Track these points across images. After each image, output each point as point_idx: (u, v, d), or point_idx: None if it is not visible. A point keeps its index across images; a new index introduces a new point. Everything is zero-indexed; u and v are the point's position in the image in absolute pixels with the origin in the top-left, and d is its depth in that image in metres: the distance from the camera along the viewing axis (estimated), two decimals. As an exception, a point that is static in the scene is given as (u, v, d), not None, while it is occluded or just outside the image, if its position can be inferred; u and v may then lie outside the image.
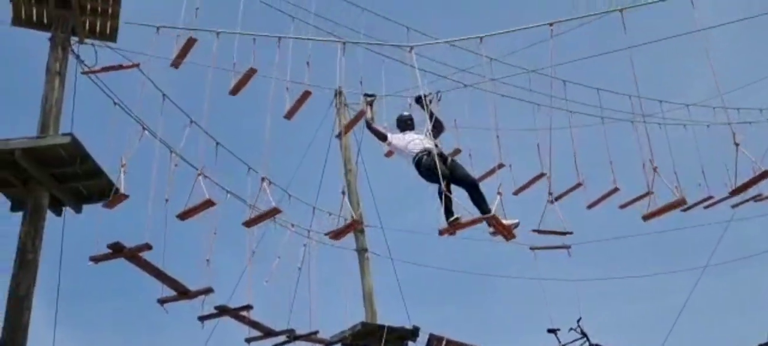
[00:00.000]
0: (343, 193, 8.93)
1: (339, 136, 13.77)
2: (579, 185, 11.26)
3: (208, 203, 8.04)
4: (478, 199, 7.62)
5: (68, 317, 9.20)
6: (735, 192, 9.54)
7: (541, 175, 10.81)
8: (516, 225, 7.68)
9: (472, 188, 7.72)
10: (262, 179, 7.68)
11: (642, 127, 9.79)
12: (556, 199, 11.23)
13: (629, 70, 8.82)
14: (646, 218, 9.26)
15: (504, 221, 7.55)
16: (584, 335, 13.17)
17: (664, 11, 9.03)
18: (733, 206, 12.57)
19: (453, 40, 9.00)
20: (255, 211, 9.05)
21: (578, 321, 13.24)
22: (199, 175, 8.05)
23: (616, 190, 10.76)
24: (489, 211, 7.41)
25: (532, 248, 14.38)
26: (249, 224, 8.23)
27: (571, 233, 10.72)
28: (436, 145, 7.89)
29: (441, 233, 7.78)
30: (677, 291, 16.92)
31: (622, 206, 10.84)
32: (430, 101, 8.24)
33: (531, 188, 11.51)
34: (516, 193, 11.02)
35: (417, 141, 7.97)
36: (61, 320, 8.92)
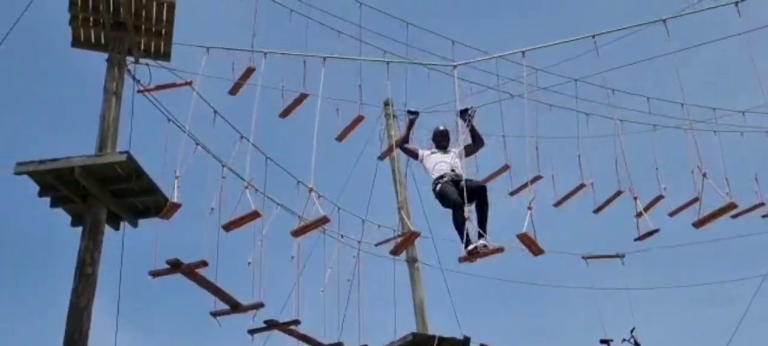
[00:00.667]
0: (400, 209, 8.96)
1: (381, 157, 13.80)
2: (619, 193, 11.09)
3: (254, 215, 8.17)
4: (481, 211, 7.54)
5: (128, 321, 9.50)
6: None
7: (581, 186, 10.73)
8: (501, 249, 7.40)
9: (480, 197, 7.59)
10: (310, 189, 7.77)
11: (692, 134, 9.59)
12: (598, 209, 11.12)
13: (677, 79, 8.71)
14: (696, 225, 9.04)
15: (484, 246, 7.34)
16: (638, 344, 12.96)
17: (713, 18, 8.84)
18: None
19: (495, 56, 8.98)
20: (303, 221, 9.22)
21: (632, 331, 13.03)
22: (247, 187, 8.20)
23: (660, 198, 10.58)
24: (483, 233, 7.33)
25: (584, 257, 14.27)
26: (297, 233, 8.31)
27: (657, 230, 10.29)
28: (453, 169, 7.73)
29: (460, 260, 7.79)
30: (737, 298, 16.43)
31: (671, 214, 10.66)
32: (471, 116, 8.14)
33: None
34: (556, 205, 10.96)
35: (442, 164, 7.83)
36: (122, 325, 9.25)
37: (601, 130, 11.50)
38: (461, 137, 8.13)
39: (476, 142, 8.17)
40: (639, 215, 11.18)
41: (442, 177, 7.73)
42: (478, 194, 7.62)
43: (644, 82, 12.58)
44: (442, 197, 7.71)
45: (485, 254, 7.37)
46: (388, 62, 8.64)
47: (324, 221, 7.93)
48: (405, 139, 8.44)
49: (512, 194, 10.90)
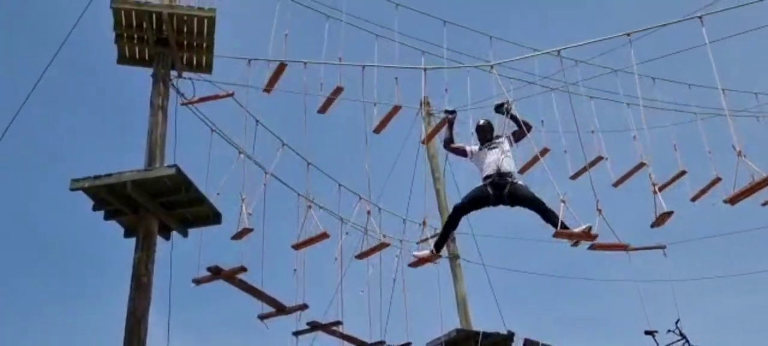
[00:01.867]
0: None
1: (424, 141, 13.94)
2: (683, 172, 11.08)
3: (323, 236, 8.53)
4: (547, 216, 7.51)
5: (178, 325, 9.82)
6: None
7: (641, 164, 10.68)
8: (589, 229, 7.41)
9: (539, 208, 7.58)
10: (368, 212, 8.05)
11: (732, 119, 9.54)
12: (660, 188, 11.07)
13: (718, 66, 8.67)
14: (730, 201, 8.98)
15: (576, 230, 7.38)
16: (683, 336, 12.88)
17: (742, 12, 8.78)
18: None
19: (532, 55, 9.05)
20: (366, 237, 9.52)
21: (677, 322, 12.96)
22: (309, 207, 8.52)
23: (718, 180, 10.56)
24: (564, 225, 7.30)
25: (626, 249, 14.16)
26: (298, 246, 8.65)
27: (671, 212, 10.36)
28: (498, 168, 7.66)
29: (411, 264, 8.35)
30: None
31: (693, 199, 10.69)
32: (508, 109, 8.17)
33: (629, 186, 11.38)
34: (615, 184, 10.91)
35: (489, 165, 7.77)
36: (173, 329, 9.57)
37: (641, 121, 11.50)
38: (505, 130, 8.15)
39: (521, 129, 8.09)
40: (694, 198, 11.15)
41: (487, 178, 7.74)
42: (525, 204, 7.63)
43: (684, 70, 12.49)
44: (471, 192, 7.85)
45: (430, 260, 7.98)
46: (425, 69, 8.75)
47: (383, 246, 8.21)
48: (450, 140, 8.51)
49: (573, 177, 10.92)
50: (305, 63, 8.78)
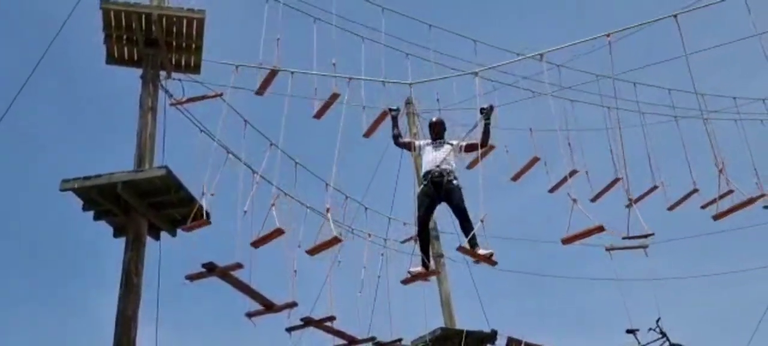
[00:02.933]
0: None
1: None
2: (655, 187, 11.37)
3: (278, 232, 8.54)
4: (465, 228, 7.83)
5: (167, 321, 9.89)
6: None
7: (617, 180, 10.95)
8: (490, 255, 7.87)
9: (461, 217, 7.90)
10: (327, 209, 8.14)
11: (711, 124, 9.79)
12: (636, 201, 11.35)
13: (694, 70, 8.90)
14: (716, 218, 9.25)
15: (480, 252, 7.80)
16: (664, 334, 13.14)
17: (721, 11, 9.01)
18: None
19: (515, 60, 9.23)
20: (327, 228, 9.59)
21: (657, 321, 13.21)
22: (274, 201, 8.53)
23: (695, 191, 10.82)
24: (475, 243, 7.71)
25: (607, 249, 14.42)
26: (312, 252, 8.69)
27: (652, 234, 10.67)
28: (438, 166, 7.90)
29: (404, 282, 8.46)
30: (762, 281, 16.54)
31: (704, 206, 10.92)
32: (489, 114, 8.38)
33: (610, 191, 11.67)
34: (593, 200, 11.19)
35: (431, 156, 8.03)
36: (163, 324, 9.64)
37: (624, 122, 11.74)
38: (472, 135, 8.36)
39: (483, 143, 8.29)
40: (671, 208, 11.43)
41: (427, 175, 7.98)
42: (453, 208, 7.92)
43: (664, 73, 12.75)
44: (423, 195, 8.03)
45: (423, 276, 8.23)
46: (411, 83, 8.92)
47: (336, 241, 8.29)
48: (398, 135, 8.66)
49: (551, 190, 11.17)
50: (292, 72, 8.87)
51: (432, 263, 7.91)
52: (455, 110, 11.26)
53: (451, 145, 8.19)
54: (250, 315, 11.00)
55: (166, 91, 9.97)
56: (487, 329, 14.18)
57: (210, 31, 10.12)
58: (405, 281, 8.40)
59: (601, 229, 7.36)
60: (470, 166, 10.61)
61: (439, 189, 7.85)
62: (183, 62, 10.24)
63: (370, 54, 10.99)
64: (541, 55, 8.46)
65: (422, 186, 8.04)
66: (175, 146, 10.27)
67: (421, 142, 8.50)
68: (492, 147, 8.60)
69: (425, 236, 8.15)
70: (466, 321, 14.43)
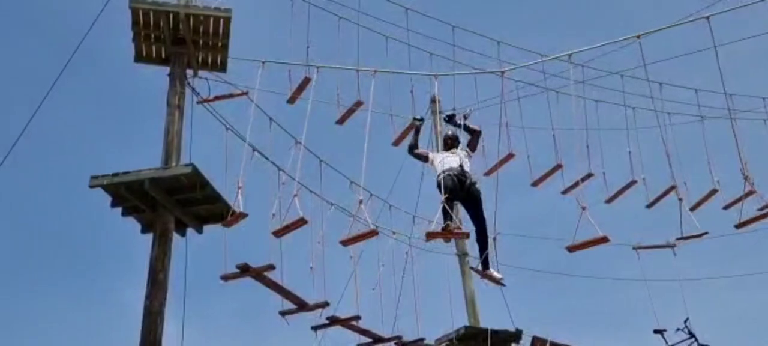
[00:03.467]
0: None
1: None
2: (673, 187, 11.20)
3: (301, 222, 8.54)
4: (481, 242, 7.96)
5: (193, 316, 10.00)
6: None
7: (633, 182, 10.86)
8: (499, 279, 8.17)
9: (479, 227, 7.99)
10: (359, 201, 8.13)
11: (738, 124, 9.63)
12: (653, 203, 11.25)
13: (724, 69, 8.77)
14: (739, 226, 9.06)
15: (490, 274, 8.01)
16: (692, 335, 12.98)
17: (750, 13, 8.88)
18: None
19: (542, 60, 9.18)
20: (356, 223, 9.59)
21: (685, 321, 13.05)
22: (296, 195, 8.54)
23: (715, 191, 10.66)
24: (486, 262, 7.89)
25: (634, 248, 14.33)
26: (346, 243, 8.64)
27: (705, 233, 10.39)
28: (461, 166, 7.96)
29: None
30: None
31: (726, 207, 10.75)
32: (464, 118, 8.43)
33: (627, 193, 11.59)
34: (608, 201, 11.10)
35: (451, 161, 8.03)
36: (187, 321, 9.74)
37: (649, 122, 11.63)
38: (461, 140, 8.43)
39: (474, 136, 8.42)
40: (693, 208, 11.28)
41: (449, 170, 7.92)
42: (473, 214, 7.98)
43: (691, 72, 12.61)
44: (441, 186, 7.89)
45: (449, 235, 7.89)
46: (436, 75, 8.91)
47: (373, 233, 8.24)
48: (415, 145, 8.65)
49: (564, 192, 11.10)
50: (318, 68, 8.90)
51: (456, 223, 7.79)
52: (478, 110, 11.29)
53: (465, 156, 8.25)
54: (283, 313, 11.11)
55: (193, 90, 10.09)
56: (511, 328, 14.12)
57: (236, 30, 10.24)
58: (430, 236, 8.19)
59: (605, 239, 7.29)
60: (489, 172, 10.57)
61: (461, 186, 7.85)
62: (210, 60, 10.35)
63: (394, 54, 11.04)
64: (569, 55, 8.37)
65: (445, 175, 7.88)
66: (202, 144, 10.40)
67: (436, 154, 8.55)
68: (480, 132, 8.57)
69: (450, 205, 7.93)
70: (490, 320, 14.39)
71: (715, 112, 11.72)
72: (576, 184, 9.42)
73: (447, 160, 8.09)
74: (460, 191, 7.88)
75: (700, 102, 11.99)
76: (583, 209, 7.28)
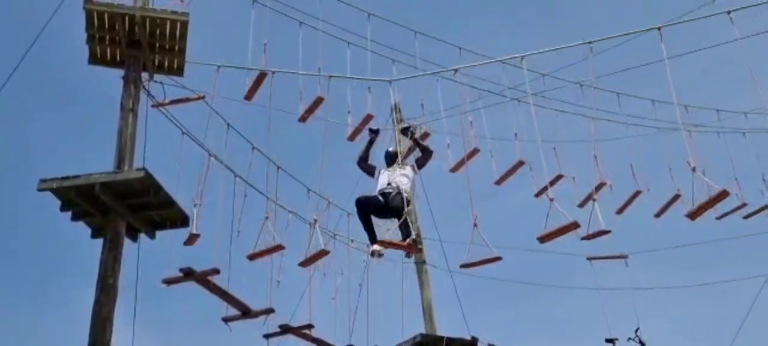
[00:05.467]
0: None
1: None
2: (638, 193, 11.48)
3: (278, 247, 8.62)
4: (403, 227, 8.07)
5: (144, 324, 9.86)
6: None
7: (602, 184, 11.04)
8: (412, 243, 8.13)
9: (402, 225, 8.11)
10: (315, 221, 8.21)
11: (692, 134, 9.87)
12: (621, 209, 11.47)
13: (677, 82, 8.97)
14: (690, 216, 9.31)
15: (396, 240, 8.10)
16: (642, 344, 13.23)
17: (705, 26, 9.11)
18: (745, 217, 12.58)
19: (494, 60, 9.31)
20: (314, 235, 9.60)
21: (636, 331, 13.30)
22: (266, 219, 8.62)
23: (677, 196, 10.94)
24: (409, 235, 7.96)
25: (588, 259, 14.53)
26: (304, 264, 8.73)
27: (608, 231, 10.65)
28: (390, 183, 8.14)
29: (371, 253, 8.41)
30: (743, 292, 16.67)
31: (657, 215, 11.06)
32: (413, 133, 8.59)
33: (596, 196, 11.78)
34: (581, 205, 11.27)
35: (383, 180, 8.29)
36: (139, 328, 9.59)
37: (605, 133, 11.85)
38: (402, 150, 8.57)
39: (424, 154, 8.61)
40: (658, 215, 11.54)
41: (380, 191, 8.18)
42: (393, 202, 8.08)
43: (646, 84, 12.85)
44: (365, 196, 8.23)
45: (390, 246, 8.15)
46: (391, 80, 8.96)
47: (323, 254, 8.37)
48: (365, 157, 8.73)
49: (537, 195, 11.23)
50: (273, 72, 8.88)
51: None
52: (438, 113, 11.36)
53: (405, 169, 8.40)
54: (226, 320, 11.03)
55: (148, 93, 9.96)
56: (467, 337, 14.20)
57: (193, 34, 10.14)
58: (372, 253, 8.37)
59: (576, 225, 7.47)
60: (454, 169, 10.65)
61: (389, 204, 8.05)
62: (166, 64, 10.21)
63: (355, 59, 11.03)
64: (522, 58, 8.53)
65: (362, 197, 8.25)
66: (157, 149, 10.27)
67: (383, 172, 8.65)
68: (431, 153, 8.75)
69: (367, 219, 8.21)
70: (447, 328, 14.45)
71: (672, 124, 11.94)
72: (548, 185, 9.56)
73: (380, 181, 8.27)
74: (384, 208, 8.03)
75: (657, 113, 12.23)
76: (551, 200, 7.45)
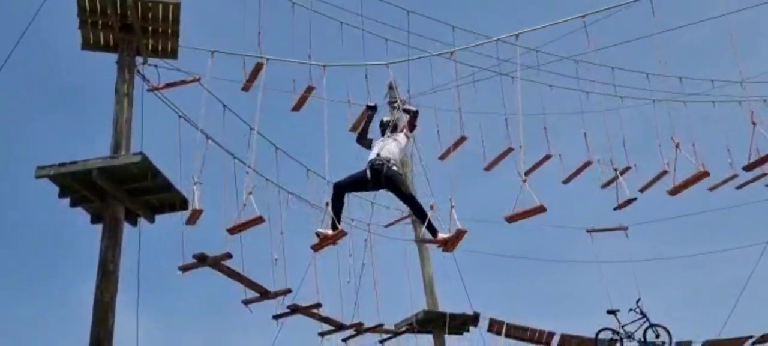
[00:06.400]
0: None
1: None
2: (628, 168, 11.49)
3: (258, 220, 8.54)
4: (419, 216, 7.93)
5: (146, 308, 9.86)
6: (748, 168, 9.70)
7: (588, 163, 11.07)
8: (458, 234, 7.79)
9: (412, 205, 8.00)
10: (327, 204, 8.07)
11: (687, 107, 9.86)
12: (607, 183, 11.49)
13: (675, 55, 8.98)
14: (671, 192, 9.38)
15: (442, 236, 7.79)
16: (644, 315, 13.29)
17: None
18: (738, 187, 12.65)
19: (489, 41, 9.25)
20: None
21: (637, 302, 13.37)
22: (251, 190, 8.51)
23: (665, 172, 10.94)
24: (432, 229, 7.76)
25: (588, 231, 14.60)
26: (317, 248, 8.54)
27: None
28: (378, 154, 7.92)
29: (314, 247, 8.26)
30: (742, 261, 16.73)
31: (642, 189, 11.11)
32: (403, 103, 8.51)
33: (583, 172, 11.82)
34: (565, 182, 11.29)
35: (373, 150, 8.07)
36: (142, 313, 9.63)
37: (600, 106, 11.81)
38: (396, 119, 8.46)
39: (411, 116, 8.36)
40: (643, 189, 11.59)
41: (369, 162, 7.97)
42: (399, 195, 7.96)
43: (645, 57, 12.81)
44: (349, 174, 8.05)
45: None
46: (388, 64, 8.92)
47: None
48: (363, 134, 8.55)
49: (527, 173, 11.22)
50: (267, 59, 8.84)
51: (342, 225, 7.86)
52: (432, 94, 11.34)
53: (396, 135, 8.21)
54: (246, 302, 11.11)
55: (143, 77, 9.90)
56: (470, 312, 14.30)
57: (186, 16, 10.06)
58: (315, 247, 8.24)
59: (542, 209, 7.48)
60: (442, 157, 10.64)
61: (377, 176, 7.84)
62: (160, 48, 10.14)
63: (349, 41, 10.98)
64: (516, 36, 8.48)
65: (363, 169, 8.03)
66: (154, 133, 10.23)
67: (376, 142, 8.43)
68: (417, 112, 8.59)
69: (339, 202, 8.02)
70: (449, 304, 14.54)
71: (667, 95, 11.90)
72: (538, 164, 9.55)
73: (375, 149, 8.08)
74: (373, 183, 7.88)
75: (652, 85, 12.18)
76: (524, 181, 7.45)
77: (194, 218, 9.12)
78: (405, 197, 7.94)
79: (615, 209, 11.64)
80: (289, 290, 11.09)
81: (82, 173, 8.42)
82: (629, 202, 11.10)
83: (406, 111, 8.42)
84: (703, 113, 12.25)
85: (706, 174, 8.08)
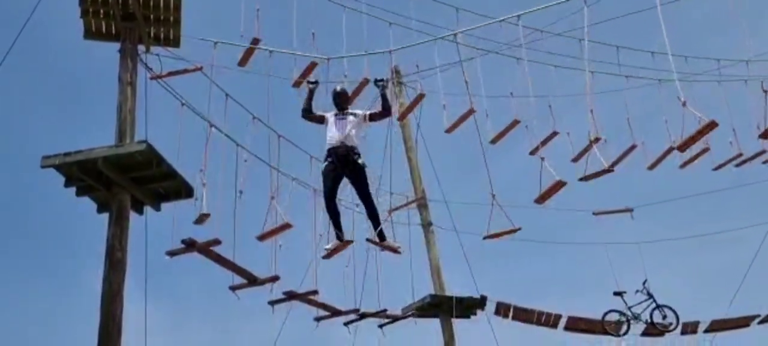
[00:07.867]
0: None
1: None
2: (634, 147, 11.47)
3: (286, 226, 8.64)
4: (372, 217, 8.13)
5: (154, 296, 9.90)
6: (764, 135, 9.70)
7: (597, 139, 11.01)
8: (397, 248, 8.73)
9: (368, 204, 8.12)
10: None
11: (693, 87, 9.81)
12: (613, 164, 11.46)
13: (680, 34, 8.93)
14: (679, 148, 9.39)
15: (387, 244, 8.39)
16: (650, 296, 13.30)
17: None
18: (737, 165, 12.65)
19: (492, 22, 9.22)
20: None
21: (644, 283, 13.37)
22: (272, 198, 8.57)
23: (671, 149, 10.89)
24: (382, 234, 8.09)
25: (594, 213, 14.58)
26: (327, 256, 8.68)
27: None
28: (343, 141, 7.91)
29: (324, 257, 8.56)
30: (748, 241, 16.70)
31: (650, 167, 11.09)
32: (384, 86, 8.41)
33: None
34: (574, 160, 11.26)
35: (334, 134, 8.02)
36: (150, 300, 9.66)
37: (604, 86, 11.78)
38: (372, 105, 8.48)
39: (384, 111, 8.36)
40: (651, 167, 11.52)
41: (331, 149, 7.96)
42: (360, 192, 8.04)
43: (650, 37, 12.74)
44: (323, 180, 8.14)
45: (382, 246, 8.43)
46: (391, 51, 8.90)
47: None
48: (309, 109, 8.39)
49: (532, 153, 11.20)
50: (270, 51, 8.84)
51: (346, 235, 8.04)
52: (437, 75, 11.28)
53: (355, 116, 8.17)
54: (233, 288, 11.13)
55: (146, 65, 9.89)
56: (476, 295, 14.31)
57: (187, 3, 10.04)
58: (325, 257, 8.59)
59: (562, 184, 7.61)
60: (449, 130, 10.59)
61: (344, 164, 7.89)
62: (162, 36, 10.13)
63: (352, 24, 10.94)
64: (518, 17, 8.45)
65: (326, 163, 8.06)
66: (158, 121, 10.22)
67: (329, 115, 8.35)
68: (389, 113, 8.70)
69: (334, 210, 8.20)
70: (455, 288, 14.55)
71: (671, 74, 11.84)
72: (544, 142, 9.57)
73: (331, 136, 8.01)
74: (341, 170, 7.92)
75: (657, 64, 12.13)
76: (542, 159, 7.52)
77: (202, 220, 9.30)
78: (365, 195, 8.02)
79: (580, 179, 11.57)
80: (277, 277, 11.08)
81: (87, 162, 8.43)
82: (599, 174, 11.09)
83: (383, 100, 8.33)
84: (708, 92, 12.20)
85: (715, 124, 8.01)
